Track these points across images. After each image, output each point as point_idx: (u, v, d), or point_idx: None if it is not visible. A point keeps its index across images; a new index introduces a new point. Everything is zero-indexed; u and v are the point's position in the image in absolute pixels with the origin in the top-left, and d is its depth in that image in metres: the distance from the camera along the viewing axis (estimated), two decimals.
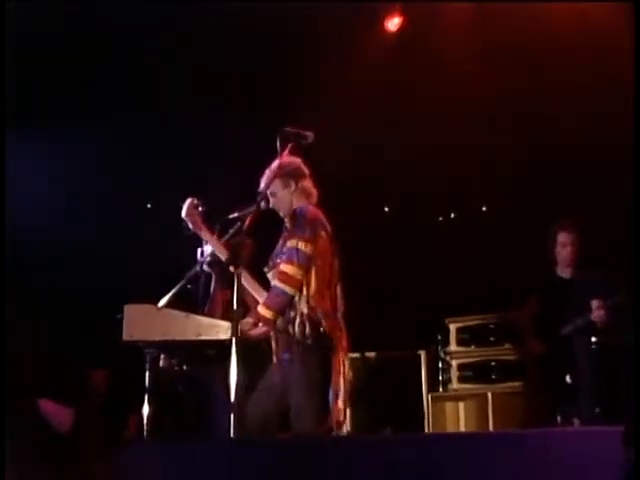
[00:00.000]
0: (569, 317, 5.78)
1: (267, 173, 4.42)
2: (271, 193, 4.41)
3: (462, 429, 6.98)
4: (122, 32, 7.06)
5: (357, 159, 7.58)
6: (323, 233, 4.30)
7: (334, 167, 7.44)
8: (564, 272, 6.02)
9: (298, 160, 4.49)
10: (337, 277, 4.38)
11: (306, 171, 4.51)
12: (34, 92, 7.37)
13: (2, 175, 6.42)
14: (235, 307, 3.88)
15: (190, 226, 4.45)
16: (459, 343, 7.08)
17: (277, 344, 4.33)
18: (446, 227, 8.00)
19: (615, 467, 2.74)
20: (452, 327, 7.11)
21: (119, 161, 7.89)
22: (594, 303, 5.66)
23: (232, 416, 3.70)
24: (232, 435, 3.68)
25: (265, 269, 4.48)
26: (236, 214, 4.41)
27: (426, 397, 6.97)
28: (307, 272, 4.24)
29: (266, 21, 6.98)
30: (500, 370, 6.86)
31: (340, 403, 4.20)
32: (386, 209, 8.18)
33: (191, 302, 4.85)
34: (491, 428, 6.72)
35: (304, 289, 4.24)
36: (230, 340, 3.82)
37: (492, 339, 6.95)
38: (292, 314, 4.24)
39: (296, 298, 4.24)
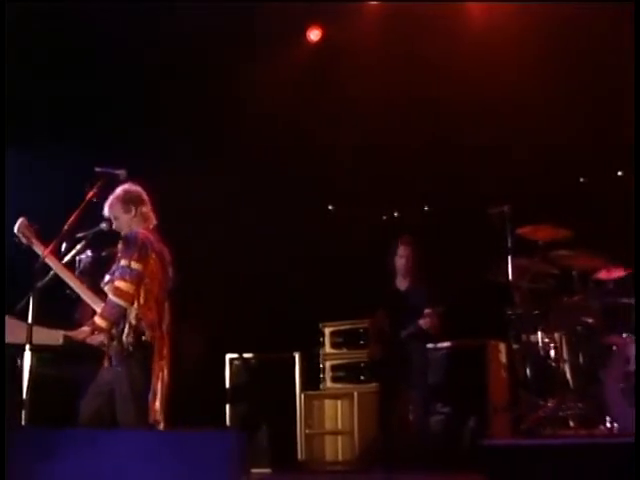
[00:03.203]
0: (405, 324, 6.36)
1: (111, 198, 4.97)
2: (114, 217, 4.97)
3: (339, 426, 7.54)
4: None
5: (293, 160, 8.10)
6: (153, 255, 4.87)
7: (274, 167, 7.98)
8: (401, 283, 6.60)
9: (139, 188, 5.08)
10: (165, 294, 4.94)
11: (146, 198, 5.09)
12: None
13: (2, 175, 6.83)
14: (30, 320, 4.39)
15: (23, 240, 4.97)
16: (333, 346, 7.64)
17: (108, 350, 4.86)
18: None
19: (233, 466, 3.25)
20: (327, 331, 7.68)
21: None
22: (425, 311, 6.24)
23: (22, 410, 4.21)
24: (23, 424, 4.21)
25: (102, 285, 5.01)
26: (82, 234, 4.99)
27: (299, 396, 7.53)
28: (138, 287, 4.79)
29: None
30: (368, 371, 7.41)
31: (157, 404, 4.76)
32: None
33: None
34: (356, 426, 7.30)
35: (135, 302, 4.79)
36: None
37: (362, 342, 7.49)
38: (122, 324, 4.80)
39: (128, 310, 4.79)
